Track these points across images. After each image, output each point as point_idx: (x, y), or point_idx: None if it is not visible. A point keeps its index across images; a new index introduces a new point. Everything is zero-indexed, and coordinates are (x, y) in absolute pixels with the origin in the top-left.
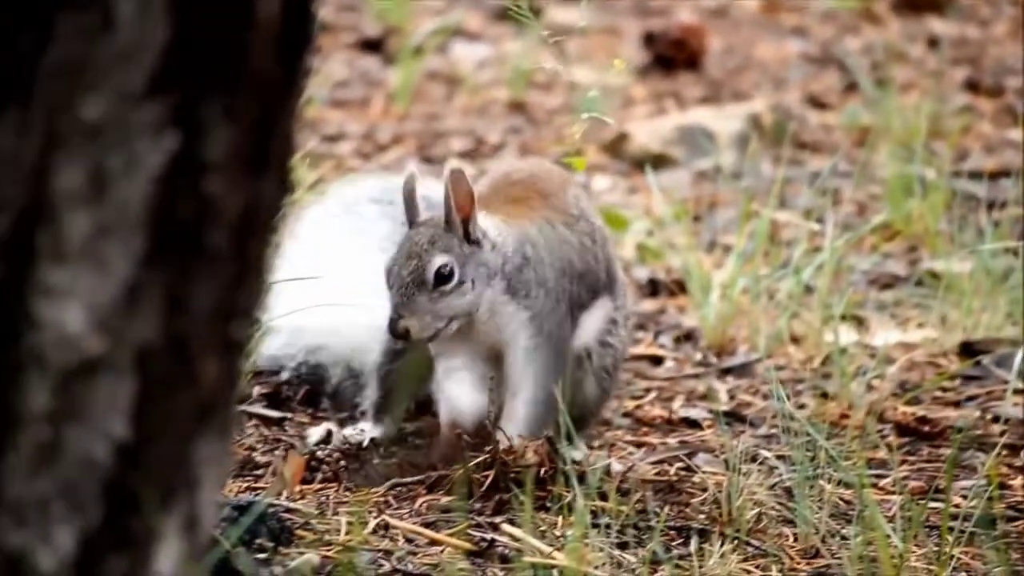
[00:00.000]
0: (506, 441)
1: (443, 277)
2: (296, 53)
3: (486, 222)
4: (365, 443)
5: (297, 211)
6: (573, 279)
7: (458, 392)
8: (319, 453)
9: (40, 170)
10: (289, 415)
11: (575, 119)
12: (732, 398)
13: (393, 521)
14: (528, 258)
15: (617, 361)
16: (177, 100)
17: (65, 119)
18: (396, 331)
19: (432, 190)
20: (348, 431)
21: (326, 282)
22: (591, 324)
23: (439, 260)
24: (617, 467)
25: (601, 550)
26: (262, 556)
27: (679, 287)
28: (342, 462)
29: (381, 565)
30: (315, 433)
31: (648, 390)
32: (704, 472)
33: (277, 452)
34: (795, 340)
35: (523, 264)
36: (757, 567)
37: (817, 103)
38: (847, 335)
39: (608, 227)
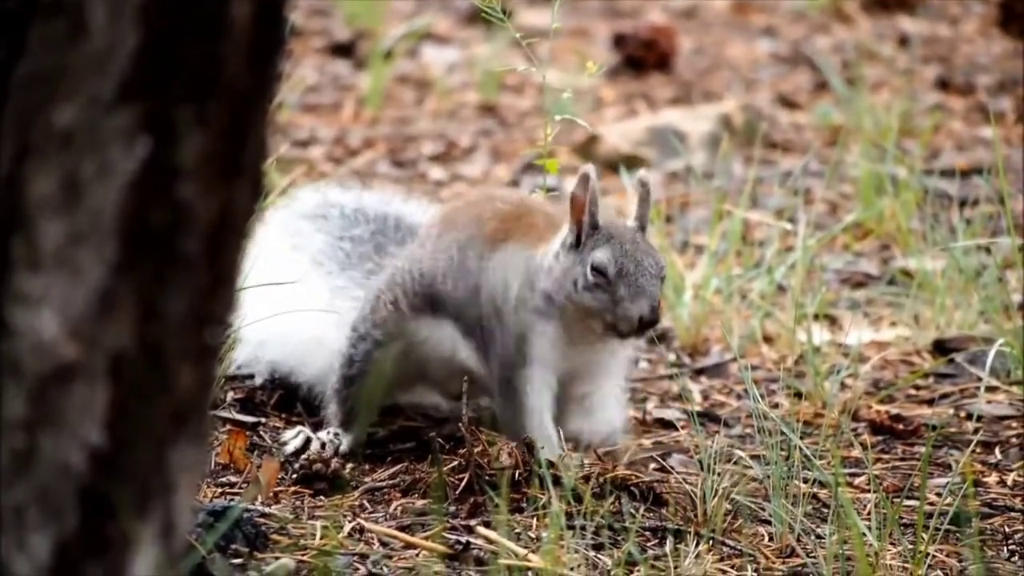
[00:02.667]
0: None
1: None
2: (268, 58)
3: None
4: (343, 447)
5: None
6: None
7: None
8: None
9: (14, 179)
10: (263, 420)
11: (546, 121)
12: (706, 398)
13: (368, 525)
14: None
15: None
16: (149, 106)
17: (38, 128)
18: (656, 318)
19: (354, 200)
20: (323, 435)
21: (270, 296)
22: None
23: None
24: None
25: (576, 552)
26: (238, 561)
27: None
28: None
29: (357, 569)
30: (292, 440)
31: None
32: (679, 472)
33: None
34: (768, 340)
35: None
36: (732, 567)
37: (788, 103)
38: (820, 334)
39: None
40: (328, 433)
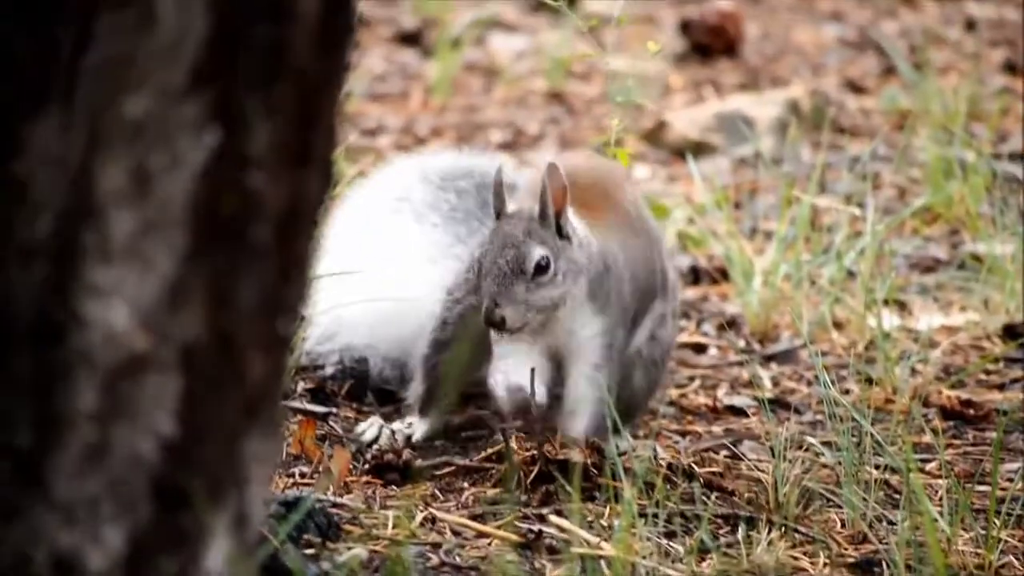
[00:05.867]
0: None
1: (541, 268)
2: (336, 46)
3: (573, 218)
4: (415, 437)
5: (338, 205)
6: (636, 295)
7: (515, 372)
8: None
9: (84, 170)
10: (334, 410)
11: (615, 109)
12: (776, 385)
13: (440, 514)
14: (609, 268)
15: (665, 352)
16: (218, 96)
17: (107, 118)
18: (492, 319)
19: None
20: (396, 425)
21: (367, 272)
22: (644, 326)
23: (538, 251)
24: (663, 456)
25: (648, 540)
26: (310, 552)
27: (721, 274)
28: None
29: (429, 558)
30: (367, 429)
31: (692, 378)
32: (750, 460)
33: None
34: (838, 325)
35: (604, 273)
36: (805, 554)
37: (855, 87)
38: (890, 320)
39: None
40: (403, 422)
